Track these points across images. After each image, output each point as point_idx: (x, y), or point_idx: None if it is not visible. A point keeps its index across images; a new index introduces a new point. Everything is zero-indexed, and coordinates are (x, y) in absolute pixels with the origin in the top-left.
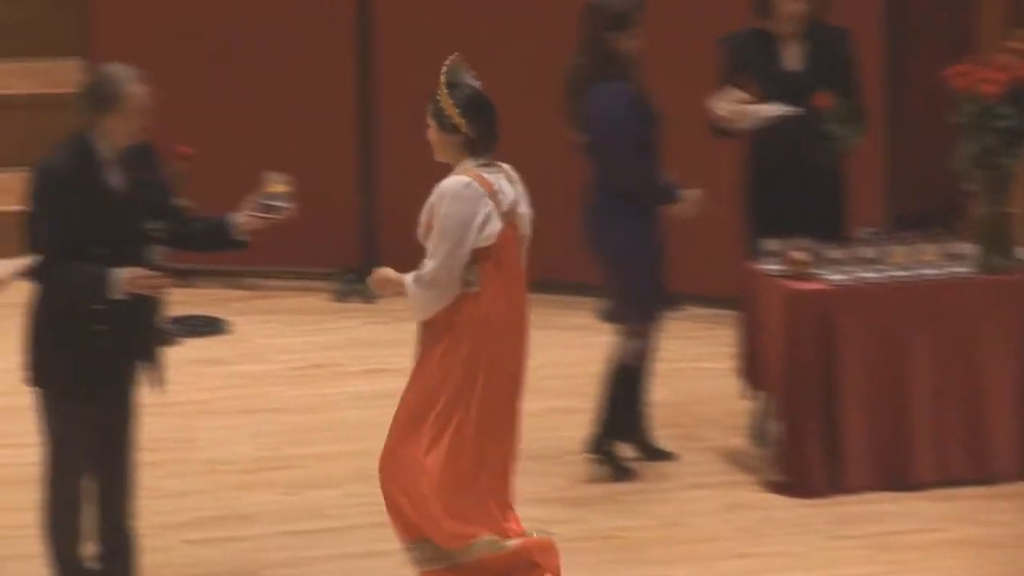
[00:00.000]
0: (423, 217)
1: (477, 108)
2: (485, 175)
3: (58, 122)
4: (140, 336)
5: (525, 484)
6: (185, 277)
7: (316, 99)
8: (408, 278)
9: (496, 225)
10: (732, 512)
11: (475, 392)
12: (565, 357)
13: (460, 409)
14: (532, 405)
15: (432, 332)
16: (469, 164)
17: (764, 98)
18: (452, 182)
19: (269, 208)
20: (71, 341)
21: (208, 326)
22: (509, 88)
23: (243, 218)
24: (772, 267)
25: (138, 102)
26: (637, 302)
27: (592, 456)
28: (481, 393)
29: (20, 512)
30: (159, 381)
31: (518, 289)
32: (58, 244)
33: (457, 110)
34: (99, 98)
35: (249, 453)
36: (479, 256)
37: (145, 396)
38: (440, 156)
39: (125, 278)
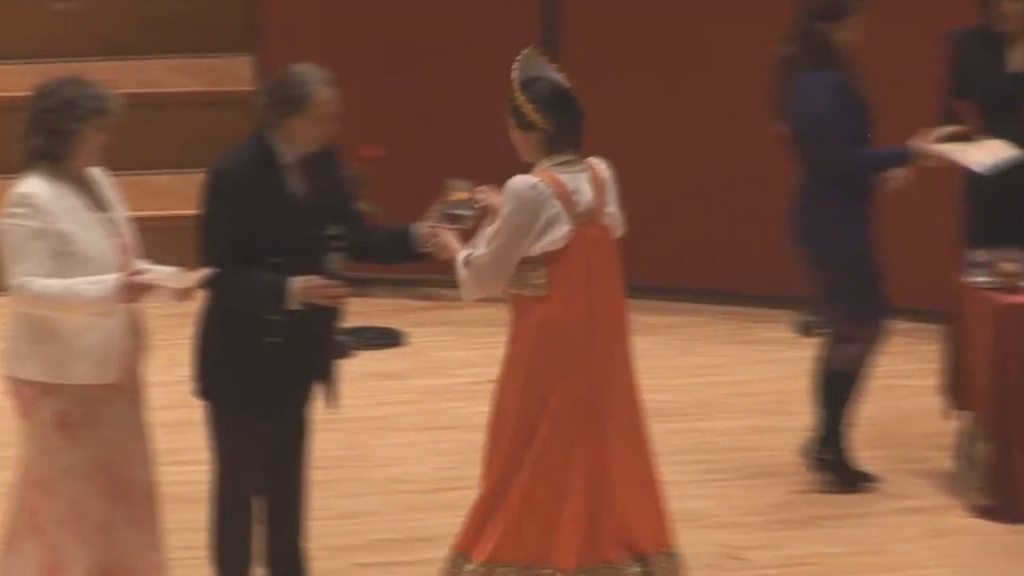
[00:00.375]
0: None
1: (556, 103)
2: (559, 175)
3: (226, 122)
4: (315, 349)
5: (716, 507)
6: (361, 287)
7: (504, 99)
8: (460, 255)
9: (563, 229)
10: (937, 538)
11: (548, 405)
12: (758, 373)
13: (530, 421)
14: (723, 424)
15: (509, 338)
16: (546, 163)
17: (983, 102)
18: (518, 182)
19: (453, 218)
20: (243, 353)
21: (384, 338)
22: (712, 94)
23: (427, 229)
24: (981, 279)
25: (326, 106)
26: (849, 303)
27: (814, 462)
28: (556, 406)
29: (189, 532)
30: (334, 396)
31: (602, 293)
32: (231, 252)
33: (533, 106)
34: (284, 99)
35: (428, 472)
36: (547, 259)
37: (319, 411)
38: (522, 155)
39: (301, 288)
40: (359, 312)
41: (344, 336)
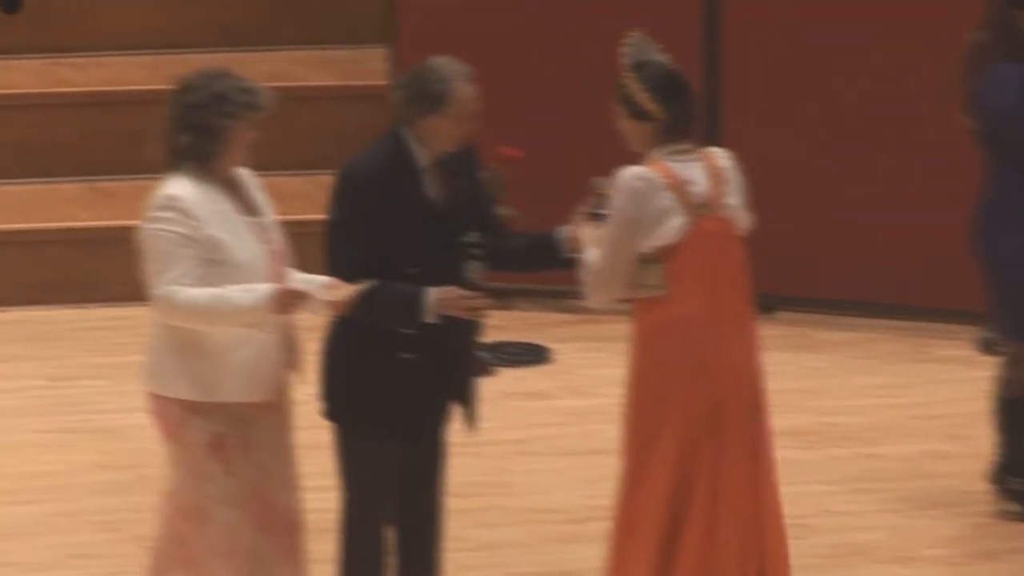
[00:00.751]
0: None
1: (670, 89)
2: (671, 164)
3: (357, 119)
4: (452, 366)
5: (892, 540)
6: (502, 298)
7: None
8: (587, 254)
9: (677, 220)
10: None
11: (667, 416)
12: (938, 394)
13: (649, 434)
14: (900, 449)
15: (631, 343)
16: (659, 153)
17: None
18: (626, 174)
19: (599, 220)
20: (374, 371)
21: (528, 354)
22: (886, 84)
23: (572, 233)
24: None
25: (466, 104)
26: (1020, 319)
27: (999, 491)
28: (677, 416)
29: (316, 565)
30: (472, 417)
31: (725, 290)
32: (365, 261)
33: (648, 94)
34: (421, 95)
35: (574, 501)
36: (661, 255)
37: (456, 434)
38: (633, 145)
39: (439, 299)
40: (500, 326)
41: (484, 352)
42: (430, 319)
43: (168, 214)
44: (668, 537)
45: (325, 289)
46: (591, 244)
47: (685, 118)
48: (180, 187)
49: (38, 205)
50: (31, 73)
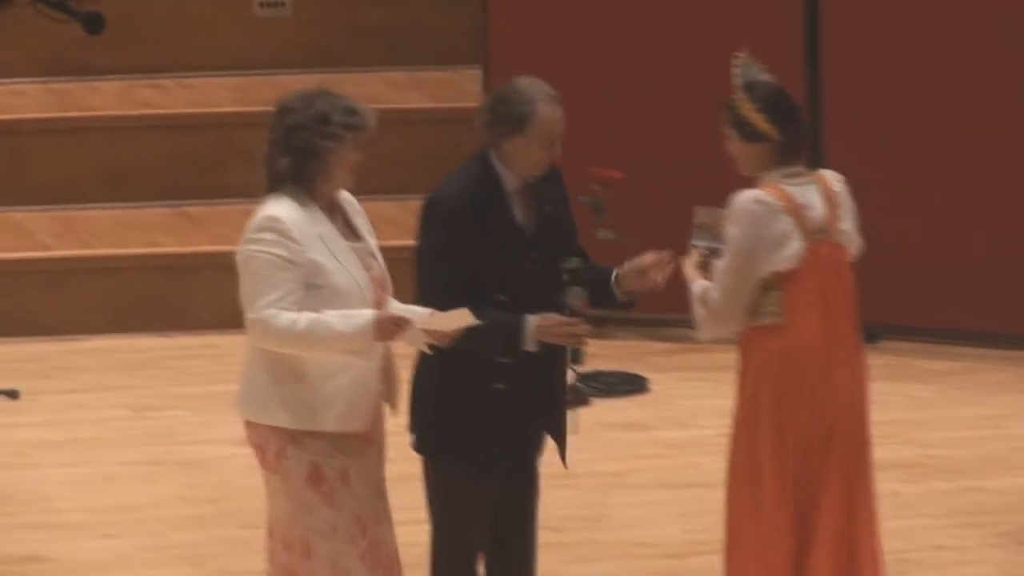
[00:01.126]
0: None
1: (782, 108)
2: (787, 187)
3: (452, 142)
4: (547, 395)
5: (996, 573)
6: (598, 326)
7: None
8: (696, 286)
9: (796, 245)
10: None
11: (783, 447)
12: None
13: (763, 465)
14: (1007, 482)
15: (737, 380)
16: (774, 175)
17: None
18: (742, 197)
19: (705, 250)
20: (466, 401)
21: (625, 384)
22: (994, 103)
23: (630, 273)
24: None
25: (550, 126)
26: None
27: None
28: (793, 447)
29: None
30: (567, 448)
31: (839, 317)
32: (457, 289)
33: (761, 115)
34: (505, 117)
35: (673, 535)
36: (779, 281)
37: (550, 466)
38: (744, 169)
39: (539, 326)
40: (597, 355)
41: (581, 382)
42: (530, 347)
43: (268, 235)
44: (796, 572)
45: (435, 319)
46: (696, 275)
47: (798, 138)
48: (281, 209)
49: (121, 230)
50: (113, 95)
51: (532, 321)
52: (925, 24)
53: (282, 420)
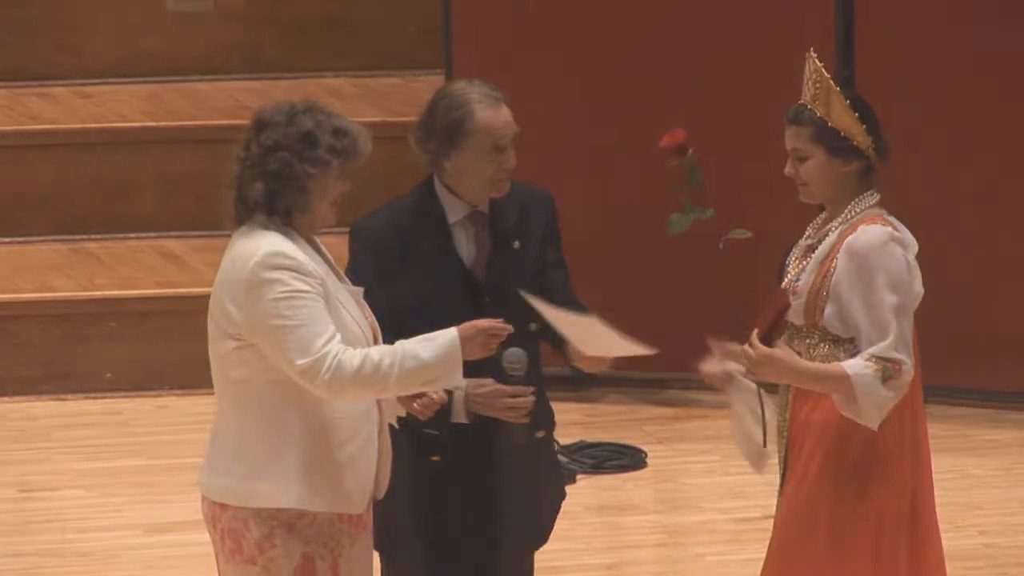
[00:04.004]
0: (809, 284)
1: (874, 119)
2: (888, 218)
3: (405, 164)
4: (497, 473)
5: None
6: (583, 388)
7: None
8: (853, 369)
9: (920, 287)
10: None
11: (882, 513)
12: None
13: (849, 534)
14: None
15: (809, 440)
16: (866, 203)
17: None
18: (869, 237)
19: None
20: (401, 478)
21: (617, 458)
22: None
23: (577, 343)
24: None
25: (491, 132)
26: None
27: None
28: (887, 512)
29: None
30: (542, 535)
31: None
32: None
33: (864, 125)
34: (434, 130)
35: None
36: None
37: (526, 557)
38: (820, 194)
39: (471, 395)
40: (583, 422)
41: (564, 455)
42: (460, 419)
43: (283, 274)
44: None
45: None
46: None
47: (888, 155)
48: (276, 242)
49: (7, 271)
50: None
51: (464, 388)
52: (963, 31)
53: (277, 498)
